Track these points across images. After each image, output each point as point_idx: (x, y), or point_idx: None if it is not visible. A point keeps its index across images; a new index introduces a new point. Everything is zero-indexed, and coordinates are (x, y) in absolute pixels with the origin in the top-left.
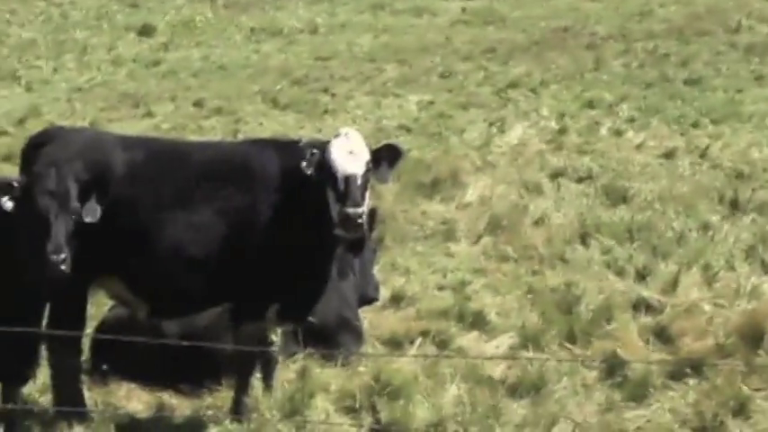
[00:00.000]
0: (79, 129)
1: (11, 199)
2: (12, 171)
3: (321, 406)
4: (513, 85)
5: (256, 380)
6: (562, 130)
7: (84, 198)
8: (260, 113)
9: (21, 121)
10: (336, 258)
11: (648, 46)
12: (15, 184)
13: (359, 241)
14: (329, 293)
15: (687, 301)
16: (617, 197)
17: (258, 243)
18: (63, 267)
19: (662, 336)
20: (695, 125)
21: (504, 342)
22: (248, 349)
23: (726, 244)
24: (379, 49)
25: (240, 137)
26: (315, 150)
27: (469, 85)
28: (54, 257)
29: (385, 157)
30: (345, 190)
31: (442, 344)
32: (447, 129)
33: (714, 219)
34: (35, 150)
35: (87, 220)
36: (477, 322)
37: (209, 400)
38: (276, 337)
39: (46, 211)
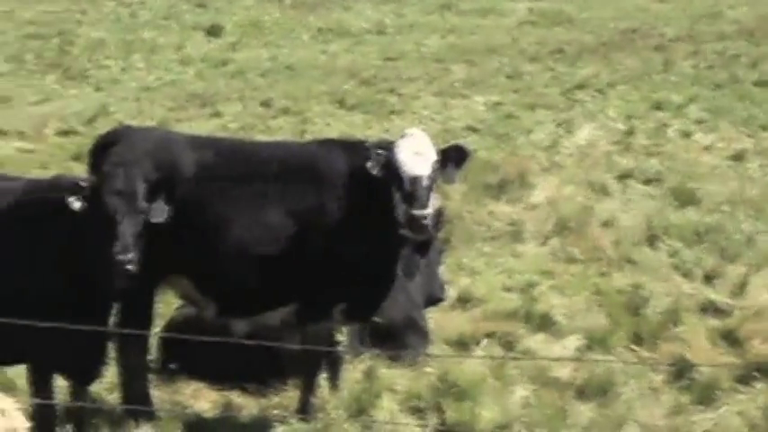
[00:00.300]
0: (148, 128)
1: (79, 199)
2: (81, 171)
3: (387, 406)
4: (581, 86)
5: (323, 380)
6: (629, 132)
7: (152, 198)
8: (327, 114)
9: (90, 121)
10: (403, 258)
11: (718, 47)
12: (84, 185)
13: (425, 242)
14: (396, 293)
15: (756, 304)
16: (685, 199)
17: (325, 243)
18: (130, 267)
19: (730, 339)
20: (764, 127)
21: (571, 344)
22: (315, 349)
23: None
24: (447, 49)
25: (307, 137)
26: (381, 151)
27: (537, 86)
28: (121, 257)
29: (452, 157)
30: (412, 191)
31: (509, 345)
32: (514, 129)
33: None
34: (104, 150)
35: (154, 220)
36: (544, 324)
37: (275, 399)
38: (342, 336)
39: (114, 211)
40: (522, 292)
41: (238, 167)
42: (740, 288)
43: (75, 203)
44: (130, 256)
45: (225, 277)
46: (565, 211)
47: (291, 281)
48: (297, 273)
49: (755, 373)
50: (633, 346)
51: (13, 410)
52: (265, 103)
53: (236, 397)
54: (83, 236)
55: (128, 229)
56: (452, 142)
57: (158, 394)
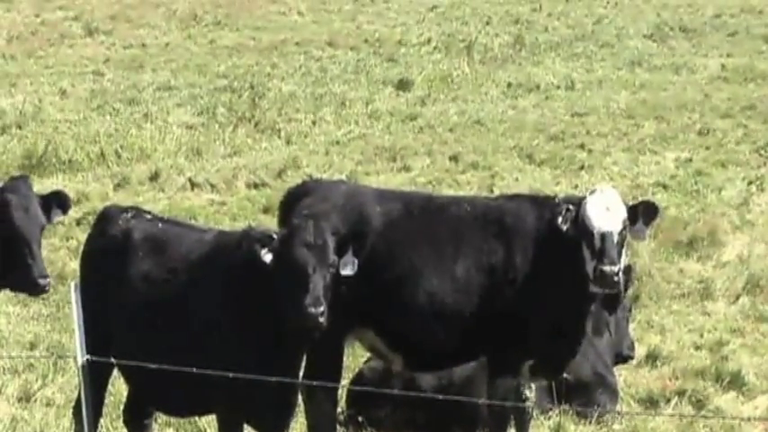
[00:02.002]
0: (337, 182)
1: (270, 251)
2: (271, 223)
3: None
4: None
5: None
6: None
7: (341, 251)
8: (515, 169)
9: (280, 174)
10: (591, 315)
11: None
12: (274, 237)
13: (614, 298)
14: (584, 349)
15: None
16: None
17: (514, 298)
18: (321, 320)
19: None
20: None
21: (762, 403)
22: (503, 404)
23: None
24: (637, 105)
25: (496, 192)
26: (571, 207)
27: (728, 143)
28: (312, 310)
29: (641, 214)
30: (601, 247)
31: (699, 404)
32: (705, 186)
33: None
34: (293, 203)
35: (345, 273)
36: (735, 382)
37: None
38: (530, 392)
39: (304, 263)
40: (711, 351)
41: (426, 221)
42: None
43: (267, 256)
44: (322, 309)
45: (411, 331)
46: (756, 270)
47: (480, 335)
48: (484, 328)
49: None
50: None
51: None
52: (453, 158)
53: None
54: (272, 288)
55: (318, 281)
56: (642, 198)
57: None
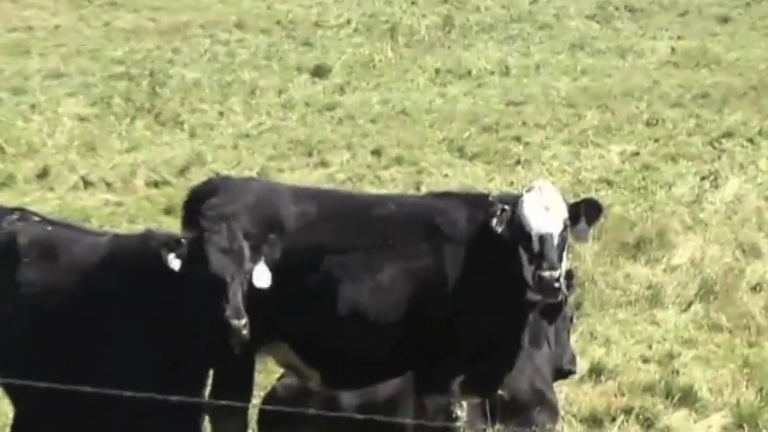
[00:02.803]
0: (247, 179)
1: (178, 257)
2: (173, 226)
3: None
4: (729, 134)
5: None
6: None
7: (254, 258)
8: (445, 163)
9: (183, 171)
10: (529, 325)
11: None
12: (183, 241)
13: (554, 307)
14: (521, 364)
15: None
16: None
17: (444, 307)
18: (244, 333)
19: None
20: None
21: (716, 422)
22: (431, 424)
23: None
24: (578, 93)
25: (423, 190)
26: (506, 206)
27: (679, 135)
28: (235, 323)
29: (584, 213)
30: (540, 250)
31: (647, 422)
32: (653, 183)
33: None
34: (198, 203)
35: (259, 284)
36: (687, 399)
37: None
38: (462, 410)
39: (222, 271)
40: (661, 364)
41: (346, 223)
42: None
43: (174, 262)
44: (245, 321)
45: (330, 345)
46: (710, 274)
47: (405, 349)
48: (412, 340)
49: None
50: None
51: None
52: (376, 152)
53: None
54: (179, 299)
55: (237, 290)
56: (584, 196)
57: None
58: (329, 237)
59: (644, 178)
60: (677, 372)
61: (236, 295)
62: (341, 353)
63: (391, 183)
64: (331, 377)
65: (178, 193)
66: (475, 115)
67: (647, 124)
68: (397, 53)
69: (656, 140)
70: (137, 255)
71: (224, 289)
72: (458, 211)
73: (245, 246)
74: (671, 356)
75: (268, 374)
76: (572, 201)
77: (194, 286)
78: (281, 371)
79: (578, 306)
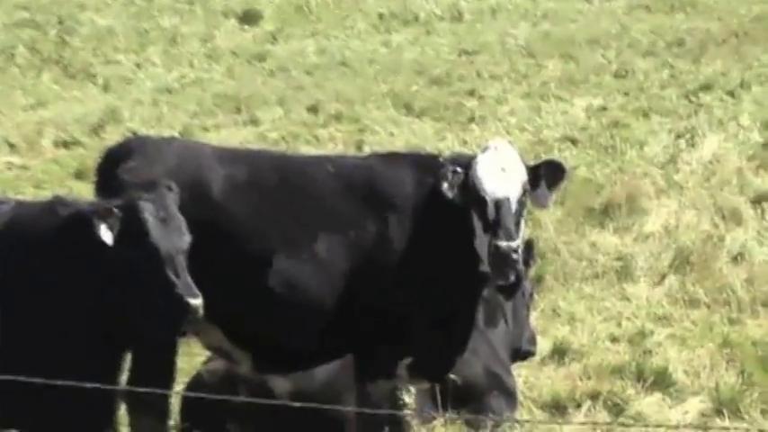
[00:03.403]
0: (167, 139)
1: (110, 228)
2: (85, 190)
3: None
4: (706, 86)
5: None
6: (767, 144)
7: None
8: (390, 121)
9: (96, 130)
10: (484, 302)
11: None
12: (116, 210)
13: (512, 281)
14: (475, 345)
15: None
16: None
17: (388, 282)
18: (201, 313)
19: None
20: None
21: (693, 407)
22: (375, 412)
23: None
24: (538, 40)
25: (366, 150)
26: (458, 168)
27: (651, 87)
28: (193, 302)
29: (545, 176)
30: (496, 218)
31: (616, 408)
32: (623, 141)
33: None
34: (113, 166)
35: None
36: (660, 382)
37: None
38: (410, 396)
39: (167, 245)
40: (632, 344)
41: (279, 189)
42: None
43: (107, 234)
44: (200, 299)
45: (261, 324)
46: (685, 243)
47: (344, 329)
48: (352, 319)
49: None
50: None
51: None
52: (312, 108)
53: None
54: (101, 275)
55: (183, 265)
56: (546, 157)
57: None
58: (260, 204)
59: (612, 136)
60: (650, 352)
61: (185, 271)
62: (274, 333)
63: (330, 142)
64: (262, 361)
65: (90, 154)
66: (423, 66)
67: (616, 76)
68: None
69: (626, 94)
70: (43, 225)
71: (171, 265)
72: (404, 175)
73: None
74: (642, 335)
75: (191, 358)
76: (532, 162)
77: (129, 262)
78: (207, 354)
79: (539, 280)
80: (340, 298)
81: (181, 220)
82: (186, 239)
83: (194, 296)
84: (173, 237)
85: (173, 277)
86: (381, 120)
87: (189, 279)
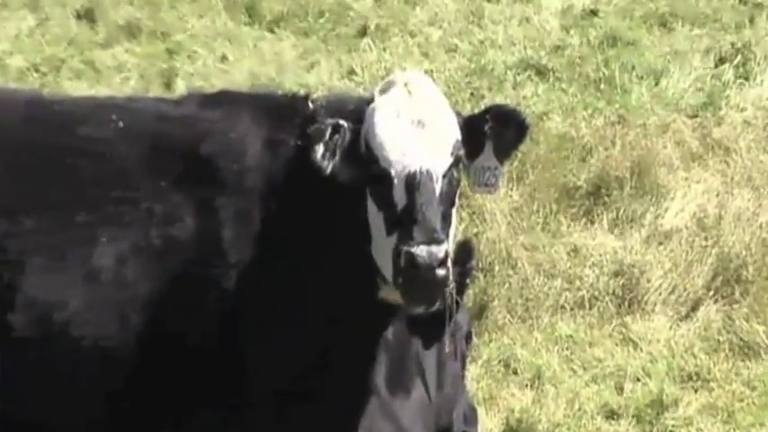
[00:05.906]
0: None
1: None
2: None
3: None
4: None
5: None
6: None
7: None
8: (221, 35)
9: None
10: (386, 352)
11: None
12: None
13: (435, 316)
14: (371, 421)
15: None
16: None
17: (217, 313)
18: None
19: None
20: None
21: None
22: None
23: None
24: None
25: (180, 88)
26: (341, 121)
27: None
28: None
29: (491, 134)
30: (408, 204)
31: None
32: (624, 70)
33: None
34: None
35: None
36: None
37: None
38: None
39: None
40: (640, 421)
41: (32, 160)
42: None
43: None
44: None
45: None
46: (734, 248)
47: (156, 382)
48: (166, 366)
49: None
50: None
51: None
52: (88, 14)
53: None
54: None
55: None
56: (493, 102)
57: None
58: (12, 175)
59: (607, 61)
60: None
61: None
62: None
63: (119, 73)
64: None
65: None
66: None
67: None
68: None
69: None
70: None
71: None
72: (244, 132)
73: None
74: (660, 406)
75: None
76: (468, 110)
77: None
78: None
79: (481, 310)
80: (139, 344)
81: None
82: None
83: None
84: None
85: None
86: (206, 33)
87: None
